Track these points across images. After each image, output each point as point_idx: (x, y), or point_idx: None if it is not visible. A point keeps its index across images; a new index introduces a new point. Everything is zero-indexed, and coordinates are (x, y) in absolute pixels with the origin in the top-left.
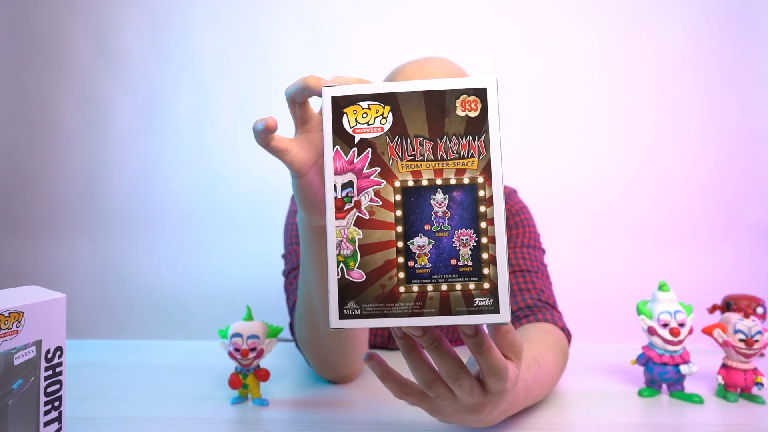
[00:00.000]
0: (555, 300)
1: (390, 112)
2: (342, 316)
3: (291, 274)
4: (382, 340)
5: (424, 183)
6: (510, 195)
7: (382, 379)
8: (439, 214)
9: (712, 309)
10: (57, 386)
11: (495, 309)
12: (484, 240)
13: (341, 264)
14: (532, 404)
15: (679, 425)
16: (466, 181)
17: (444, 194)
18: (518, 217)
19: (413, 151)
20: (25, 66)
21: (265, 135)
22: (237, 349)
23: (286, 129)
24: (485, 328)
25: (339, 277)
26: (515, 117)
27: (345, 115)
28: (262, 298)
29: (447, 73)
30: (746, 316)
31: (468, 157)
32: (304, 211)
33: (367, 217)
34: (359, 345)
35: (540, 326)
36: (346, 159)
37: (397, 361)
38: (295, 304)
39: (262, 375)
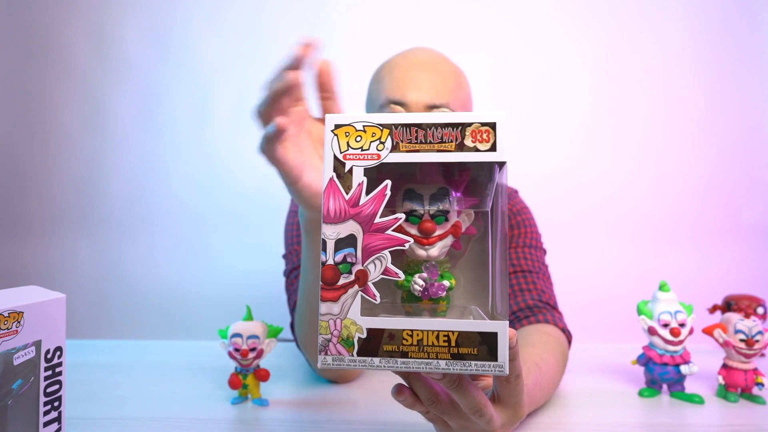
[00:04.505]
0: (556, 300)
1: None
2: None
3: (292, 274)
4: None
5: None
6: (511, 195)
7: (412, 407)
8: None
9: (713, 309)
10: (57, 386)
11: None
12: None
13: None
14: (535, 409)
15: (679, 425)
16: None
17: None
18: (519, 217)
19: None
20: (25, 66)
21: (278, 136)
22: (237, 349)
23: None
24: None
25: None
26: (515, 117)
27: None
28: (262, 298)
29: (436, 59)
30: (747, 316)
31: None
32: (305, 210)
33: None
34: None
35: (540, 328)
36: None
37: None
38: (296, 304)
39: (262, 375)
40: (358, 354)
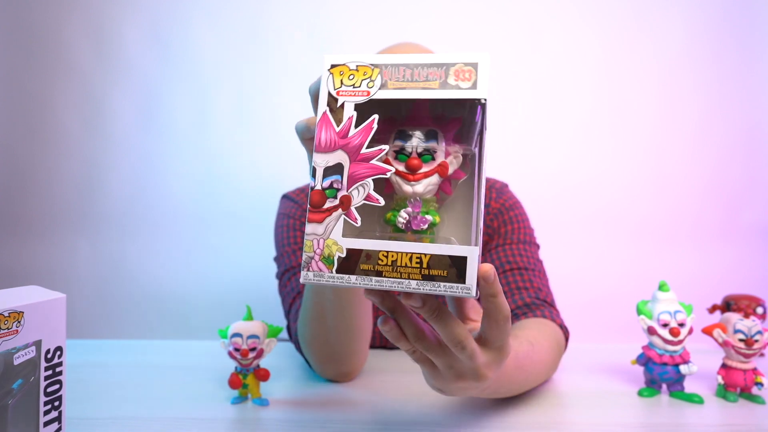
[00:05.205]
0: (553, 298)
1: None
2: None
3: (285, 276)
4: (381, 336)
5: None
6: (502, 189)
7: (397, 341)
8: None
9: (712, 309)
10: (57, 386)
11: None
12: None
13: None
14: (525, 385)
15: (679, 425)
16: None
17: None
18: (512, 212)
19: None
20: (25, 66)
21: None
22: (237, 349)
23: (290, 120)
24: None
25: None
26: (515, 116)
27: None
28: (262, 298)
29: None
30: (746, 316)
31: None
32: None
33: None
34: (365, 335)
35: (537, 320)
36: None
37: (394, 360)
38: (291, 306)
39: (262, 375)
40: (337, 271)
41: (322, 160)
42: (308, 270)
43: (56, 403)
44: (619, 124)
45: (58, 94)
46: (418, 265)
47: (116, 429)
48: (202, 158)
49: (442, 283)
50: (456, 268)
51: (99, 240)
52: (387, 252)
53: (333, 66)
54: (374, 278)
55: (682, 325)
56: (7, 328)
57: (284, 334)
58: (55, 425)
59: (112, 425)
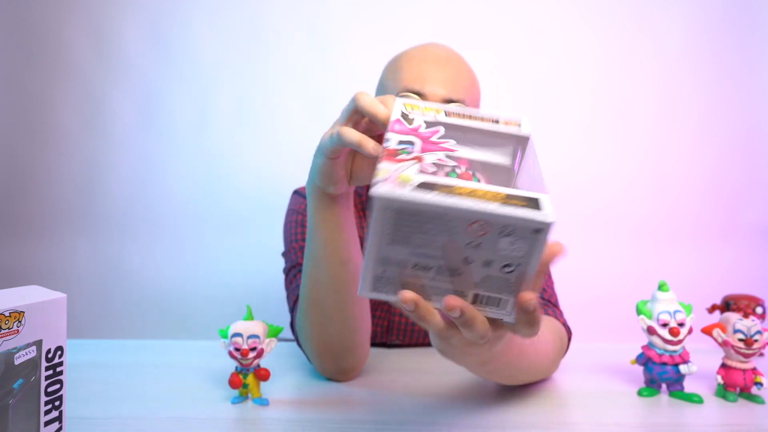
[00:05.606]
0: (557, 299)
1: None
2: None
3: (291, 271)
4: (382, 331)
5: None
6: None
7: (420, 320)
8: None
9: (712, 309)
10: (57, 386)
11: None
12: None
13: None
14: (526, 373)
15: (678, 425)
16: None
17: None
18: None
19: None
20: (24, 66)
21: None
22: (237, 349)
23: (296, 124)
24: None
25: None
26: None
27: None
28: (262, 298)
29: (452, 55)
30: (746, 315)
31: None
32: (319, 182)
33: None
34: (363, 326)
35: (542, 316)
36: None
37: (395, 359)
38: (295, 303)
39: (263, 375)
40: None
41: (396, 136)
42: (381, 184)
43: (57, 403)
44: (619, 124)
45: (58, 94)
46: (495, 198)
47: (116, 429)
48: (202, 158)
49: (521, 208)
50: (533, 203)
51: (99, 240)
52: (464, 187)
53: (406, 104)
54: (451, 196)
55: (681, 324)
56: (8, 328)
57: (284, 334)
58: (56, 425)
59: (112, 425)
